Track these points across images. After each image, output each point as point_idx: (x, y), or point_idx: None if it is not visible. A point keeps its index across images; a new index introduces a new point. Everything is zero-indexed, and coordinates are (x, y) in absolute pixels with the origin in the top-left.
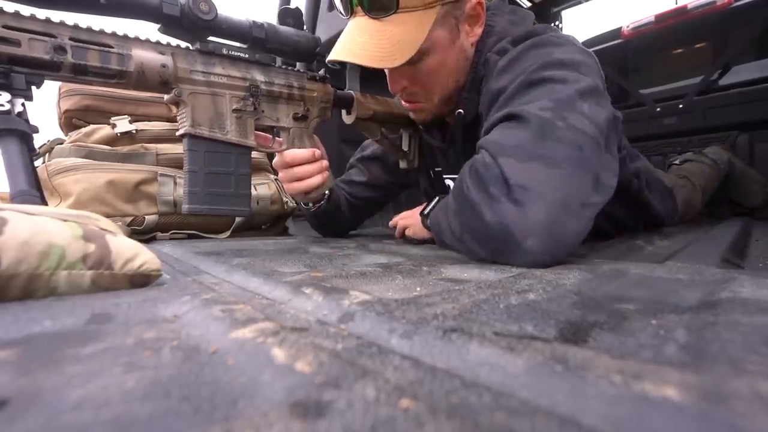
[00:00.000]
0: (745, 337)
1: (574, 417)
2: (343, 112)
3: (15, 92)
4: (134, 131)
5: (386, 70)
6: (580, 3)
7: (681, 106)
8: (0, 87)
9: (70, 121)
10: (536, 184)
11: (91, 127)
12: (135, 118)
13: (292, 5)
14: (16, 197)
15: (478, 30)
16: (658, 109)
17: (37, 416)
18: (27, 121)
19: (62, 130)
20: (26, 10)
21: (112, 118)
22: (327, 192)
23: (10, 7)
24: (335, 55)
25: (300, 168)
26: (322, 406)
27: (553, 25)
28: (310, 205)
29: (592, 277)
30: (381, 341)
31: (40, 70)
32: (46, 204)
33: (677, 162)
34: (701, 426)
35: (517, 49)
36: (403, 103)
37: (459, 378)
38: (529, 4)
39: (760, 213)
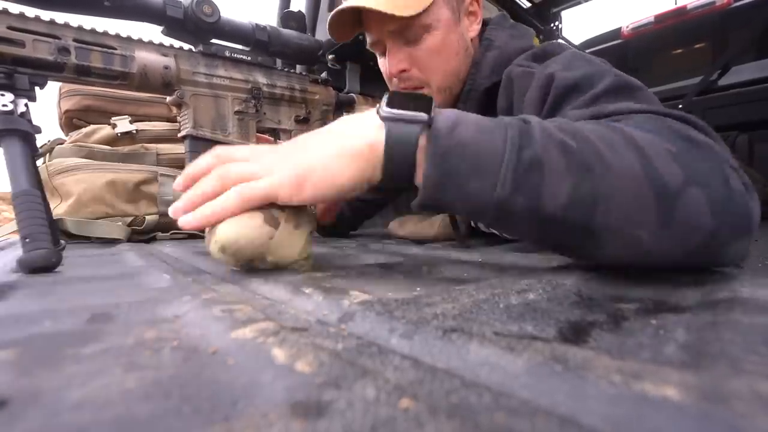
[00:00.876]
0: (745, 337)
1: (574, 417)
2: (345, 114)
3: (18, 93)
4: (135, 131)
5: (387, 51)
6: (579, 3)
7: (681, 106)
8: (3, 87)
9: (71, 121)
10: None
11: (92, 127)
12: (135, 119)
13: (293, 7)
14: (18, 197)
15: (476, 27)
16: None
17: (37, 416)
18: (30, 121)
19: (63, 130)
20: (31, 12)
21: (113, 119)
22: None
23: (15, 9)
24: (347, 3)
25: None
26: (322, 406)
27: (552, 25)
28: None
29: (592, 277)
30: (381, 341)
31: (43, 70)
32: (48, 204)
33: None
34: (701, 426)
35: (563, 57)
36: None
37: (459, 378)
38: (529, 5)
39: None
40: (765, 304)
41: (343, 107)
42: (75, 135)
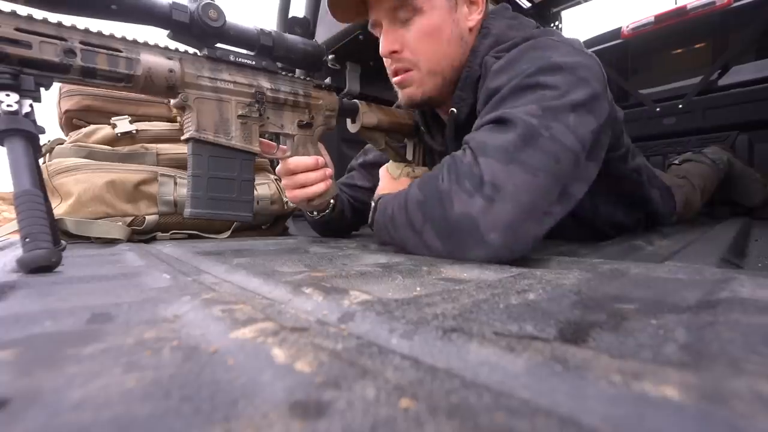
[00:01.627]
0: (745, 337)
1: (574, 417)
2: (348, 120)
3: (24, 93)
4: (134, 131)
5: (382, 31)
6: (579, 3)
7: (680, 106)
8: (9, 88)
9: (71, 121)
10: (510, 186)
11: (92, 127)
12: (135, 118)
13: (293, 9)
14: (20, 197)
15: (476, 17)
16: (658, 109)
17: (37, 416)
18: (34, 122)
19: (62, 130)
20: (38, 14)
21: (113, 119)
22: (332, 201)
23: (23, 11)
24: None
25: (303, 175)
26: (322, 406)
27: (552, 25)
28: (315, 213)
29: (592, 277)
30: (381, 341)
31: (49, 72)
32: (49, 204)
33: (676, 162)
34: (701, 426)
35: (516, 50)
36: (393, 83)
37: (459, 378)
38: (529, 4)
39: (759, 213)
40: (765, 304)
41: (347, 114)
42: (75, 135)
